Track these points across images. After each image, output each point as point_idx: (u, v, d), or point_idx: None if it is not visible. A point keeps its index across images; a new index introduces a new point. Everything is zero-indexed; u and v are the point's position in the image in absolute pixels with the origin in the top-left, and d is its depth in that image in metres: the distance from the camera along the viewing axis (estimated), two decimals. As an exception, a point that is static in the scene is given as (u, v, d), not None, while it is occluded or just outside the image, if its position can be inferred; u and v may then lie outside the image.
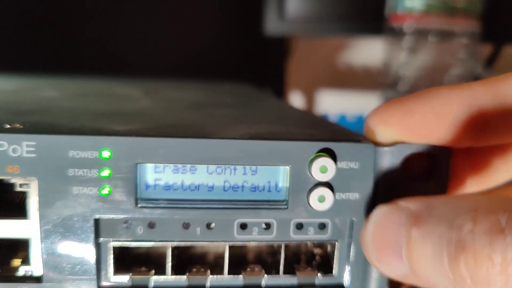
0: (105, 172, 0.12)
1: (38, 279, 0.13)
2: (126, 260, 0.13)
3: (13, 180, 0.13)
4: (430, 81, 0.35)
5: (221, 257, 0.13)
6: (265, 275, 0.14)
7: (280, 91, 0.52)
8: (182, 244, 0.13)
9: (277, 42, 0.50)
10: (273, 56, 0.51)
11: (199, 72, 0.52)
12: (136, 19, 0.56)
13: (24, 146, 0.12)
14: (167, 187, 0.13)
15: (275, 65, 0.52)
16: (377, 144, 0.14)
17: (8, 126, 0.12)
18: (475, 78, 0.37)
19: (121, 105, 0.20)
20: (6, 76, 0.32)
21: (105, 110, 0.18)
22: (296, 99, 0.56)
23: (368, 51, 0.54)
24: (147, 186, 0.13)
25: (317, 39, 0.52)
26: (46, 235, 0.12)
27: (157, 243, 0.13)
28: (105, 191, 0.12)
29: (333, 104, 0.54)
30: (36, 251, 0.13)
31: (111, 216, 0.12)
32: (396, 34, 0.35)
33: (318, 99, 0.57)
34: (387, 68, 0.37)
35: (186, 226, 0.13)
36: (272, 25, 0.44)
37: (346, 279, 0.14)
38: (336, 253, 0.14)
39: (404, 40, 0.34)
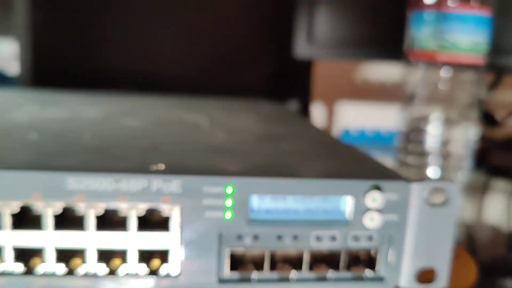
0: (229, 202, 0.18)
1: (175, 277, 0.19)
2: (237, 261, 0.19)
3: (163, 207, 0.18)
4: (443, 100, 0.41)
5: (301, 258, 0.19)
6: (330, 270, 0.20)
7: (305, 106, 0.58)
8: (276, 250, 0.19)
9: (305, 62, 0.55)
10: (300, 74, 0.57)
11: (232, 88, 0.58)
12: (174, 38, 0.62)
13: (174, 184, 0.18)
14: (267, 211, 0.19)
15: (301, 82, 0.58)
16: (409, 181, 0.19)
17: (155, 168, 0.18)
18: (479, 101, 0.42)
19: (206, 138, 0.26)
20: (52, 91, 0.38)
21: (204, 146, 0.23)
22: (317, 112, 0.62)
23: (387, 67, 0.59)
24: (254, 211, 0.19)
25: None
26: (187, 244, 0.18)
27: (258, 249, 0.19)
28: (228, 215, 0.18)
29: (352, 117, 0.60)
30: (174, 255, 0.18)
31: (231, 231, 0.18)
32: (411, 64, 0.40)
33: (338, 111, 0.62)
34: (404, 85, 0.43)
35: (279, 237, 0.19)
36: (301, 49, 0.50)
37: (385, 273, 0.20)
38: (378, 256, 0.20)
39: (418, 71, 0.40)
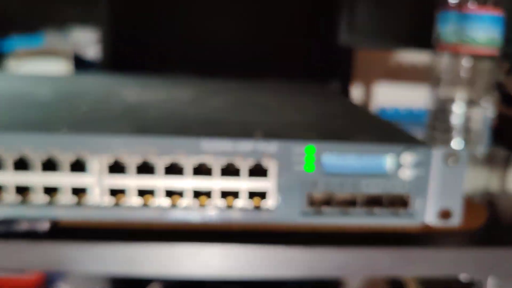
0: (308, 159, 0.27)
1: (272, 208, 0.27)
2: (313, 200, 0.28)
3: (265, 162, 0.27)
4: (465, 84, 0.48)
5: (355, 199, 0.28)
6: (375, 208, 0.28)
7: (346, 87, 0.65)
8: (339, 193, 0.28)
9: (346, 49, 0.63)
10: (342, 59, 0.65)
11: (281, 72, 0.66)
12: (229, 27, 0.70)
13: (273, 146, 0.27)
14: (334, 166, 0.27)
15: (343, 66, 0.65)
16: (431, 147, 0.28)
17: (258, 135, 0.27)
18: (498, 84, 0.49)
19: (280, 115, 0.35)
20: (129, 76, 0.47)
21: (283, 121, 0.32)
22: (356, 92, 0.70)
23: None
24: (325, 165, 0.27)
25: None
26: (279, 188, 0.27)
27: (327, 192, 0.28)
28: (307, 168, 0.27)
29: (387, 97, 0.67)
30: (272, 196, 0.27)
31: (309, 180, 0.27)
32: (438, 54, 0.48)
33: (375, 91, 0.70)
34: (431, 71, 0.50)
35: (341, 184, 0.28)
36: (343, 38, 0.57)
37: (414, 212, 0.28)
38: (409, 199, 0.28)
39: (443, 60, 0.47)
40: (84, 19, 0.73)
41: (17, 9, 0.74)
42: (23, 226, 0.27)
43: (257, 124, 0.31)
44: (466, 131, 0.49)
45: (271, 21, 0.68)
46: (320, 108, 0.40)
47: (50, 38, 0.69)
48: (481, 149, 0.51)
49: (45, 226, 0.27)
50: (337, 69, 0.64)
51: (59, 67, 0.66)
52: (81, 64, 0.69)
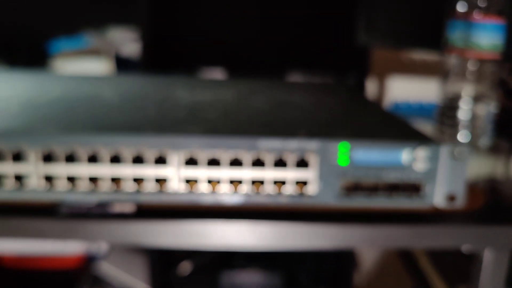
0: (341, 153, 0.34)
1: (313, 193, 0.34)
2: (345, 187, 0.35)
3: (306, 156, 0.34)
4: (471, 83, 0.54)
5: (378, 185, 0.35)
6: (393, 192, 0.35)
7: (362, 81, 0.72)
8: (365, 180, 0.35)
9: (364, 48, 0.69)
10: (360, 57, 0.71)
11: (304, 69, 0.73)
12: (255, 25, 0.76)
13: (314, 143, 0.33)
14: (362, 159, 0.34)
15: (360, 63, 0.71)
16: (440, 143, 0.34)
17: (302, 134, 0.34)
18: (502, 81, 0.55)
19: (313, 115, 0.42)
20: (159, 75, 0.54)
21: (316, 120, 0.39)
22: (371, 86, 0.76)
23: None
24: (355, 158, 0.34)
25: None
26: (319, 177, 0.34)
27: (356, 180, 0.35)
28: (341, 161, 0.34)
29: (400, 91, 0.74)
30: (313, 183, 0.34)
31: (342, 170, 0.34)
32: (447, 57, 0.54)
33: (388, 85, 0.76)
34: (440, 71, 0.56)
35: (367, 173, 0.34)
36: (361, 38, 0.63)
37: (426, 195, 0.35)
38: (421, 185, 0.35)
39: (452, 62, 0.53)
40: (123, 19, 0.80)
41: (60, 12, 0.81)
42: (115, 209, 0.34)
43: (298, 123, 0.38)
44: (472, 125, 0.56)
45: (295, 22, 0.74)
46: (344, 107, 0.47)
47: (92, 39, 0.75)
48: (486, 140, 0.57)
49: (132, 208, 0.35)
50: (354, 66, 0.71)
51: (102, 67, 0.73)
52: (121, 63, 0.76)
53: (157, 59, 0.75)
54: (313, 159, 0.34)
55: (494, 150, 0.62)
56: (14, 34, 0.85)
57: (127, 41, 0.79)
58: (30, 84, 0.53)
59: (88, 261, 0.94)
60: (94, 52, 0.74)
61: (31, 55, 0.79)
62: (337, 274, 0.93)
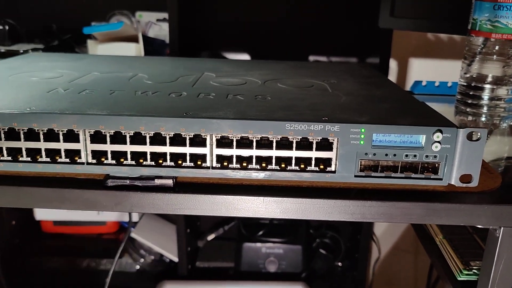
0: (362, 136, 0.36)
1: (334, 171, 0.37)
2: (364, 166, 0.37)
3: (330, 138, 0.37)
4: (495, 65, 0.55)
5: (397, 166, 0.37)
6: (412, 173, 0.38)
7: (385, 62, 0.73)
8: (384, 161, 0.37)
9: (387, 31, 0.70)
10: (382, 37, 0.72)
11: (328, 51, 0.74)
12: (279, 12, 0.78)
13: (335, 127, 0.36)
14: (381, 141, 0.37)
15: (383, 43, 0.72)
16: (457, 126, 0.36)
17: (325, 118, 0.37)
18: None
19: (336, 99, 0.44)
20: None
21: (339, 104, 0.41)
22: (394, 66, 0.77)
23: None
24: (375, 141, 0.37)
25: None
26: (340, 157, 0.37)
27: (375, 161, 0.37)
28: (361, 143, 0.36)
29: (423, 71, 0.74)
30: (334, 162, 0.37)
31: (362, 151, 0.37)
32: (472, 39, 0.55)
33: (411, 65, 0.77)
34: (465, 53, 0.57)
35: (386, 155, 0.37)
36: (384, 21, 0.64)
37: (443, 176, 0.38)
38: (439, 167, 0.37)
39: (477, 44, 0.54)
40: (153, 4, 0.83)
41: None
42: (156, 182, 0.38)
43: (322, 107, 0.40)
44: (494, 106, 0.57)
45: (319, 5, 0.75)
46: (366, 90, 0.49)
47: (123, 22, 0.78)
48: (508, 120, 0.58)
49: (170, 182, 0.38)
50: (377, 48, 0.72)
51: (133, 49, 0.76)
52: (150, 44, 0.79)
53: (185, 42, 0.78)
54: (334, 141, 0.37)
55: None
56: (50, 19, 0.89)
57: (154, 23, 0.82)
58: (70, 66, 0.57)
59: (121, 228, 1.00)
60: (124, 36, 0.77)
61: (66, 38, 0.83)
62: (355, 249, 0.97)
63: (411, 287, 1.08)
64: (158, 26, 0.83)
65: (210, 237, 0.96)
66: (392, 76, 0.84)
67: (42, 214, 0.97)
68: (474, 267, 0.48)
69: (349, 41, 0.81)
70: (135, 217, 0.96)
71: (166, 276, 0.90)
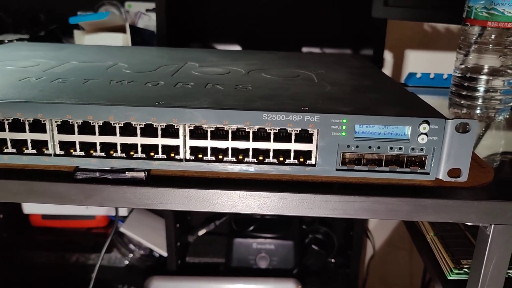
0: (344, 127, 0.34)
1: (314, 165, 0.35)
2: (346, 159, 0.35)
3: (309, 129, 0.35)
4: (491, 56, 0.53)
5: (381, 159, 0.35)
6: (398, 167, 0.35)
7: (380, 53, 0.71)
8: (368, 154, 0.35)
9: (380, 20, 0.68)
10: (376, 28, 0.70)
11: (321, 42, 0.72)
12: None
13: (316, 118, 0.34)
14: (364, 133, 0.35)
15: (377, 34, 0.70)
16: (446, 118, 0.34)
17: (305, 108, 0.34)
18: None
19: (321, 89, 0.42)
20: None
21: (323, 95, 0.39)
22: (389, 57, 0.75)
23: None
24: (357, 132, 0.34)
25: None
26: (320, 149, 0.35)
27: (358, 154, 0.35)
28: (343, 134, 0.34)
29: (417, 62, 0.72)
30: (314, 155, 0.35)
31: (343, 143, 0.35)
32: (468, 28, 0.52)
33: (406, 57, 0.75)
34: (460, 43, 0.55)
35: (369, 147, 0.35)
36: (377, 10, 0.62)
37: (430, 170, 0.36)
38: (426, 160, 0.35)
39: (472, 34, 0.52)
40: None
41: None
42: (127, 175, 0.36)
43: (304, 96, 0.38)
44: (490, 97, 0.55)
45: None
46: (355, 80, 0.46)
47: (110, 12, 0.76)
48: (504, 113, 0.56)
49: (142, 175, 0.36)
50: (371, 38, 0.69)
51: (120, 39, 0.74)
52: (137, 34, 0.77)
53: (174, 33, 0.75)
54: (314, 132, 0.34)
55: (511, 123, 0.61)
56: (38, 9, 0.87)
57: (143, 14, 0.80)
58: (50, 56, 0.55)
59: (110, 223, 0.98)
60: (111, 25, 0.75)
61: (52, 29, 0.81)
62: (348, 245, 0.95)
63: (406, 285, 1.06)
64: (147, 16, 0.81)
65: (201, 232, 0.94)
66: (388, 68, 0.82)
67: (30, 207, 0.96)
68: (465, 266, 0.46)
69: (344, 32, 0.79)
70: (124, 212, 0.95)
71: (155, 272, 0.89)
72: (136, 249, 0.93)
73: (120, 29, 0.76)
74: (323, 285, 0.93)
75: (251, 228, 0.91)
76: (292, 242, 0.89)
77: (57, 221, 0.96)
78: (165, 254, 0.91)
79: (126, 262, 0.94)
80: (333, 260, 0.96)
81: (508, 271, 0.45)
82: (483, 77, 0.54)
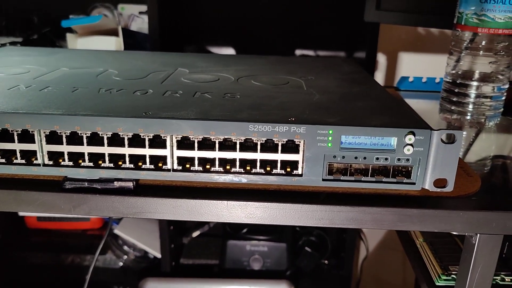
0: (330, 138, 0.34)
1: (300, 175, 0.36)
2: (332, 169, 0.36)
3: (296, 140, 0.35)
4: (482, 61, 0.53)
5: (368, 169, 0.36)
6: (384, 177, 0.36)
7: (372, 57, 0.71)
8: (354, 164, 0.35)
9: (373, 24, 0.68)
10: (369, 32, 0.70)
11: (315, 45, 0.72)
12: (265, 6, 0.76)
13: (302, 128, 0.34)
14: (350, 143, 0.35)
15: (370, 38, 0.70)
16: (432, 129, 0.34)
17: (291, 120, 0.35)
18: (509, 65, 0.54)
19: (309, 97, 0.42)
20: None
21: (311, 104, 0.39)
22: (381, 61, 0.75)
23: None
24: (343, 143, 0.35)
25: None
26: (307, 160, 0.35)
27: (344, 164, 0.35)
28: (329, 145, 0.34)
29: (409, 66, 0.72)
30: (300, 165, 0.35)
31: (330, 153, 0.35)
32: (459, 34, 0.53)
33: (398, 60, 0.75)
34: (451, 48, 0.55)
35: (356, 158, 0.35)
36: (370, 15, 0.62)
37: (416, 180, 0.36)
38: (412, 170, 0.36)
39: (463, 39, 0.52)
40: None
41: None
42: (116, 185, 0.36)
43: (292, 106, 0.38)
44: (480, 104, 0.55)
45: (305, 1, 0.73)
46: (343, 87, 0.47)
47: (103, 15, 0.76)
48: (493, 120, 0.56)
49: (130, 185, 0.37)
50: (364, 42, 0.69)
51: (112, 43, 0.74)
52: (131, 38, 0.77)
53: (167, 36, 0.75)
54: (301, 143, 0.35)
55: (503, 128, 0.61)
56: (29, 11, 0.87)
57: (137, 16, 0.80)
58: (41, 61, 0.55)
59: (104, 224, 0.99)
60: (104, 29, 0.75)
61: (45, 32, 0.81)
62: (341, 247, 0.95)
63: (399, 286, 1.07)
64: (141, 19, 0.81)
65: (195, 233, 0.95)
66: (381, 71, 0.82)
67: (25, 209, 0.96)
68: (453, 272, 0.46)
69: (337, 35, 0.79)
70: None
71: (150, 273, 0.89)
72: (130, 250, 0.94)
73: (113, 32, 0.76)
74: (316, 286, 0.93)
75: (245, 230, 0.91)
76: (285, 244, 0.90)
77: (52, 223, 0.97)
78: (159, 255, 0.91)
79: (121, 263, 0.95)
80: (326, 262, 0.97)
81: (495, 277, 0.46)
82: (474, 83, 0.54)
